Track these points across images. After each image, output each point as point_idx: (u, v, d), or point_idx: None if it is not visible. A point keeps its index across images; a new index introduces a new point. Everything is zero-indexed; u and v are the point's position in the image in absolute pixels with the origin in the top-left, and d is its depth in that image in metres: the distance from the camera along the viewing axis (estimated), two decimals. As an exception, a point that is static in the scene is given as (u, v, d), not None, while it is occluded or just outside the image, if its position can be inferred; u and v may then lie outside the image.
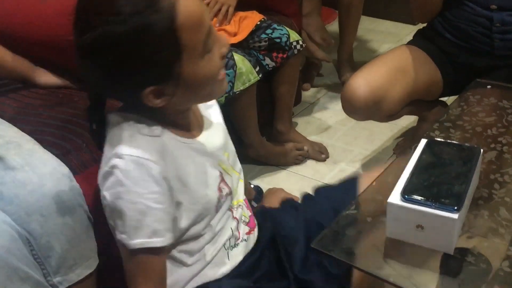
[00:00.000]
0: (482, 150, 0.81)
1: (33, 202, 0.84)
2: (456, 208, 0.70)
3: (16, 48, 1.29)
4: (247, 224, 0.94)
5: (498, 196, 0.83)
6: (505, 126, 1.00)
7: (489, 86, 1.15)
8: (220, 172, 0.87)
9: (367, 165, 1.77)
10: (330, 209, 0.96)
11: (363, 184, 0.99)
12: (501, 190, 0.84)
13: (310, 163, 1.78)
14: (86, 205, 0.93)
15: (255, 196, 1.22)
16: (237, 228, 0.91)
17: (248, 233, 0.93)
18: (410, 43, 1.53)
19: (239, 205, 0.94)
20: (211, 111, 0.93)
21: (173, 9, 0.70)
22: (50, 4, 1.20)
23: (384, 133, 1.89)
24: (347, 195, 0.96)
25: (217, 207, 0.86)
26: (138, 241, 0.76)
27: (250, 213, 0.96)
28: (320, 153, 1.79)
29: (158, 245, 0.77)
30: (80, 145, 1.03)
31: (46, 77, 1.24)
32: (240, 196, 0.95)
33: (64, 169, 0.91)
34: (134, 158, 0.74)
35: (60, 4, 1.18)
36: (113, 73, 0.73)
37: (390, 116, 1.48)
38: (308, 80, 2.23)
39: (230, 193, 0.89)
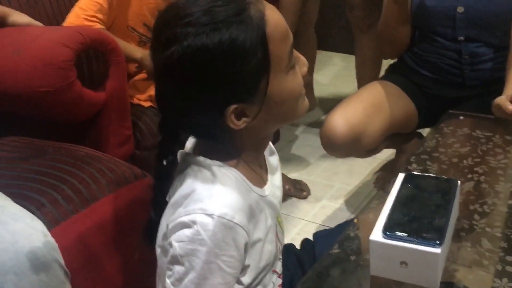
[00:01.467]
0: (459, 181, 0.82)
1: (6, 261, 0.81)
2: (438, 242, 0.69)
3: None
4: (279, 276, 0.90)
5: (479, 227, 0.83)
6: (480, 156, 1.01)
7: (461, 117, 1.17)
8: (276, 225, 0.83)
9: (349, 200, 1.76)
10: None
11: (361, 225, 0.97)
12: (482, 220, 0.84)
13: (292, 201, 1.77)
14: (62, 260, 0.90)
15: None
16: (276, 281, 0.88)
17: (280, 285, 0.90)
18: (382, 78, 1.56)
19: (280, 258, 0.90)
20: (273, 158, 0.89)
21: (262, 18, 0.67)
22: (24, 57, 1.19)
23: (363, 167, 1.89)
24: None
25: (273, 263, 0.83)
26: None
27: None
28: (301, 191, 1.79)
29: None
30: (55, 197, 1.00)
31: (15, 17, 1.23)
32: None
33: (37, 224, 0.88)
34: (225, 221, 0.68)
35: (34, 57, 1.18)
36: (198, 89, 0.67)
37: (370, 151, 1.49)
38: None
39: (280, 248, 0.85)
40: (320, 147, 1.48)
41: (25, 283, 0.83)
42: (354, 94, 1.53)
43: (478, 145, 1.05)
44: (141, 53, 1.46)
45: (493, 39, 1.34)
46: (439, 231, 0.71)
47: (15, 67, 1.19)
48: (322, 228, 1.61)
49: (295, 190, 1.78)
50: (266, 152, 0.86)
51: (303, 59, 0.76)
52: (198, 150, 0.78)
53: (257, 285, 0.81)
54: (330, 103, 2.41)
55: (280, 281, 0.90)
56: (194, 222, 0.68)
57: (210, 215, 0.68)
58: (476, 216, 0.85)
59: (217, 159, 0.74)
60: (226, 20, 0.65)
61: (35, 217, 0.91)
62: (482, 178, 0.95)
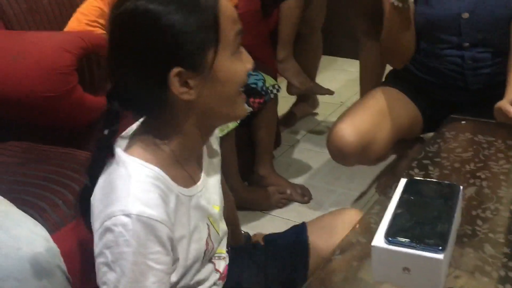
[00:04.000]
0: (462, 187, 0.81)
1: (8, 267, 0.81)
2: (441, 248, 0.69)
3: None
4: (222, 276, 0.92)
5: (482, 233, 0.83)
6: (482, 160, 1.01)
7: (463, 122, 1.17)
8: (208, 225, 0.85)
9: (351, 205, 1.76)
10: (278, 257, 0.97)
11: (311, 230, 1.02)
12: (484, 226, 0.84)
13: (293, 206, 1.77)
14: (64, 266, 0.90)
15: (244, 243, 1.20)
16: (217, 280, 0.90)
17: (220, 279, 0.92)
18: (385, 84, 1.55)
19: (223, 257, 0.92)
20: (215, 160, 0.91)
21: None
22: (23, 62, 1.20)
23: (365, 171, 1.89)
24: (295, 240, 0.98)
25: (203, 261, 0.84)
26: None
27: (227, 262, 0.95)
28: (302, 195, 1.78)
29: None
30: (56, 202, 1.00)
31: None
32: (223, 246, 0.93)
33: (40, 229, 0.88)
34: (144, 218, 0.70)
35: (35, 62, 1.18)
36: (145, 43, 0.70)
37: (378, 159, 1.49)
38: (289, 123, 2.26)
39: (213, 248, 0.87)
40: (322, 152, 1.48)
41: (26, 289, 0.83)
42: (359, 101, 1.52)
43: (480, 150, 1.05)
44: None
45: (497, 42, 1.34)
46: (441, 237, 0.71)
47: (15, 72, 1.19)
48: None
49: (296, 195, 1.78)
50: (205, 153, 0.88)
51: (248, 57, 0.78)
52: (137, 134, 0.79)
53: (190, 281, 0.82)
54: (332, 108, 2.42)
55: (221, 282, 0.91)
56: (115, 225, 0.70)
57: (128, 215, 0.69)
58: (479, 222, 0.85)
59: (144, 150, 0.75)
60: None
61: (37, 222, 0.91)
62: (484, 183, 0.95)
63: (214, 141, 0.93)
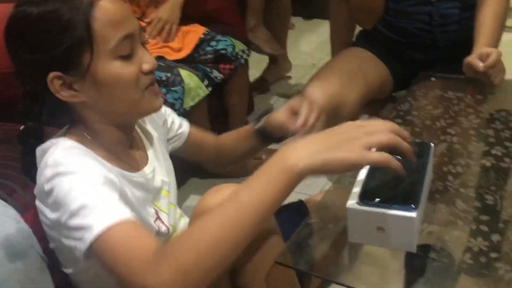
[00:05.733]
0: (433, 144, 0.82)
1: (-21, 251, 0.79)
2: (413, 206, 0.70)
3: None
4: None
5: (453, 188, 0.84)
6: (452, 116, 1.02)
7: (433, 79, 1.17)
8: (155, 209, 0.86)
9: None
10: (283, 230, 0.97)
11: (337, 192, 0.99)
12: (456, 181, 0.85)
13: (269, 171, 1.77)
14: (38, 246, 0.88)
15: None
16: None
17: None
18: (354, 45, 1.54)
19: None
20: (155, 141, 0.91)
21: (93, 2, 0.73)
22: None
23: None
24: (297, 213, 0.97)
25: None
26: (99, 222, 0.66)
27: None
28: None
29: (123, 216, 0.67)
30: (25, 182, 0.98)
31: None
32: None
33: (9, 210, 0.86)
34: (72, 143, 0.75)
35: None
36: (25, 52, 0.74)
37: (350, 121, 1.48)
38: (262, 88, 2.25)
39: (168, 231, 0.87)
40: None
41: (0, 271, 0.81)
42: (328, 63, 1.51)
43: (450, 106, 1.06)
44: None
45: (464, -3, 1.33)
46: (414, 195, 0.71)
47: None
48: (299, 195, 1.62)
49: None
50: (158, 141, 0.90)
51: (148, 58, 0.77)
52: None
53: None
54: (304, 70, 2.40)
55: None
56: (48, 165, 0.73)
57: (56, 146, 0.75)
58: (450, 177, 0.86)
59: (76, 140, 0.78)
60: None
61: (7, 204, 0.88)
62: (455, 139, 0.96)
63: (148, 124, 0.92)
